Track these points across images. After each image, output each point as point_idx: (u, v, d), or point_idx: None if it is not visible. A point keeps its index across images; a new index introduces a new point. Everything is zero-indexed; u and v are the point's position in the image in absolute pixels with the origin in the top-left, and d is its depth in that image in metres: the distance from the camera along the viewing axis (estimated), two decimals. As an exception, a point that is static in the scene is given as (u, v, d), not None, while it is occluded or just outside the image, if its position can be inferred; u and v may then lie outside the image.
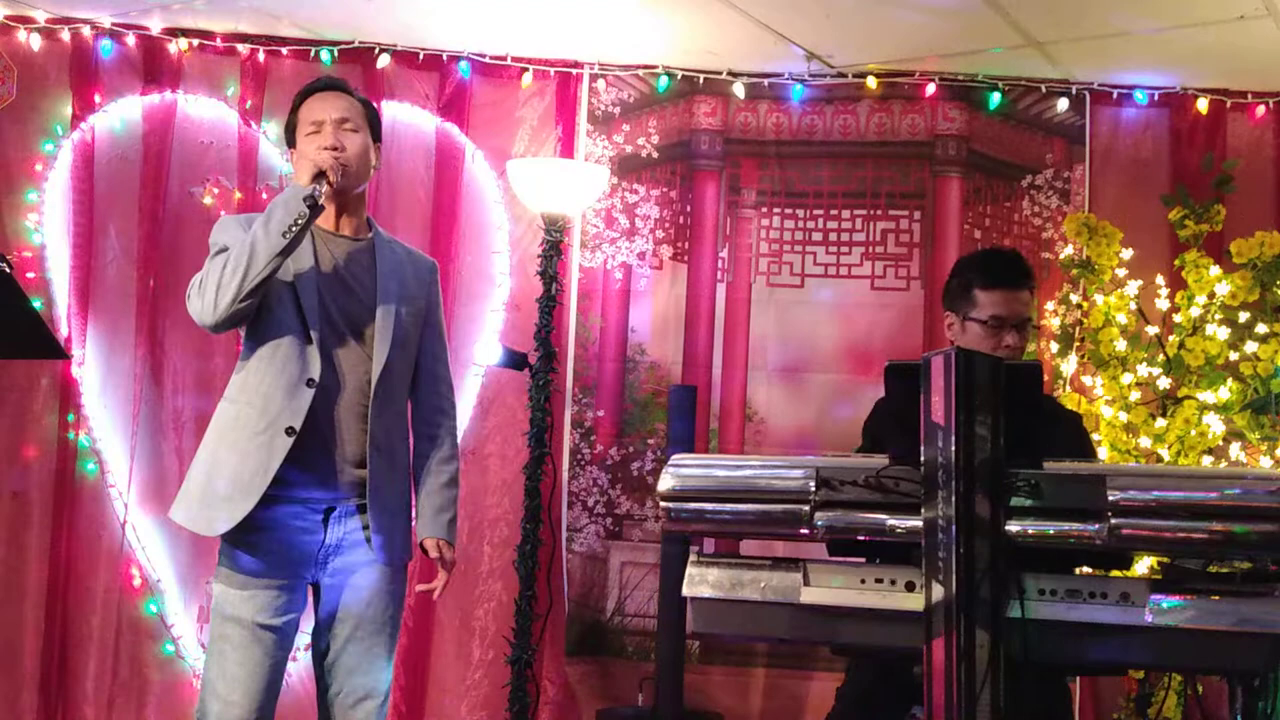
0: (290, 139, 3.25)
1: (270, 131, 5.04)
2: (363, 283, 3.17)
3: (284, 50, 5.06)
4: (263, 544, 3.05)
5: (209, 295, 2.98)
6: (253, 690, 3.03)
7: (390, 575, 3.17)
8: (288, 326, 3.06)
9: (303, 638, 4.44)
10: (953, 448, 2.15)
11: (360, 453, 3.11)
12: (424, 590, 3.32)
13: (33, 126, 4.95)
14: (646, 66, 5.13)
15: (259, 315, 3.06)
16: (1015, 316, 3.23)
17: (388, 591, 3.18)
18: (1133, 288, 4.49)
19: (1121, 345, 4.43)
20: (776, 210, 5.15)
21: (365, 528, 3.13)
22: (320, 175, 3.03)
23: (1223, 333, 4.34)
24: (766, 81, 5.12)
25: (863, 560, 2.39)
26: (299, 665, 4.78)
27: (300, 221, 2.96)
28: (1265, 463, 4.24)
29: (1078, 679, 4.42)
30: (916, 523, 2.23)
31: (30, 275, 4.84)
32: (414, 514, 3.29)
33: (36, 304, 4.50)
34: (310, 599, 3.19)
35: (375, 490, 3.11)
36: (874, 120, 5.09)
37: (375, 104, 4.90)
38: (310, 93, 3.25)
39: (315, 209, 2.99)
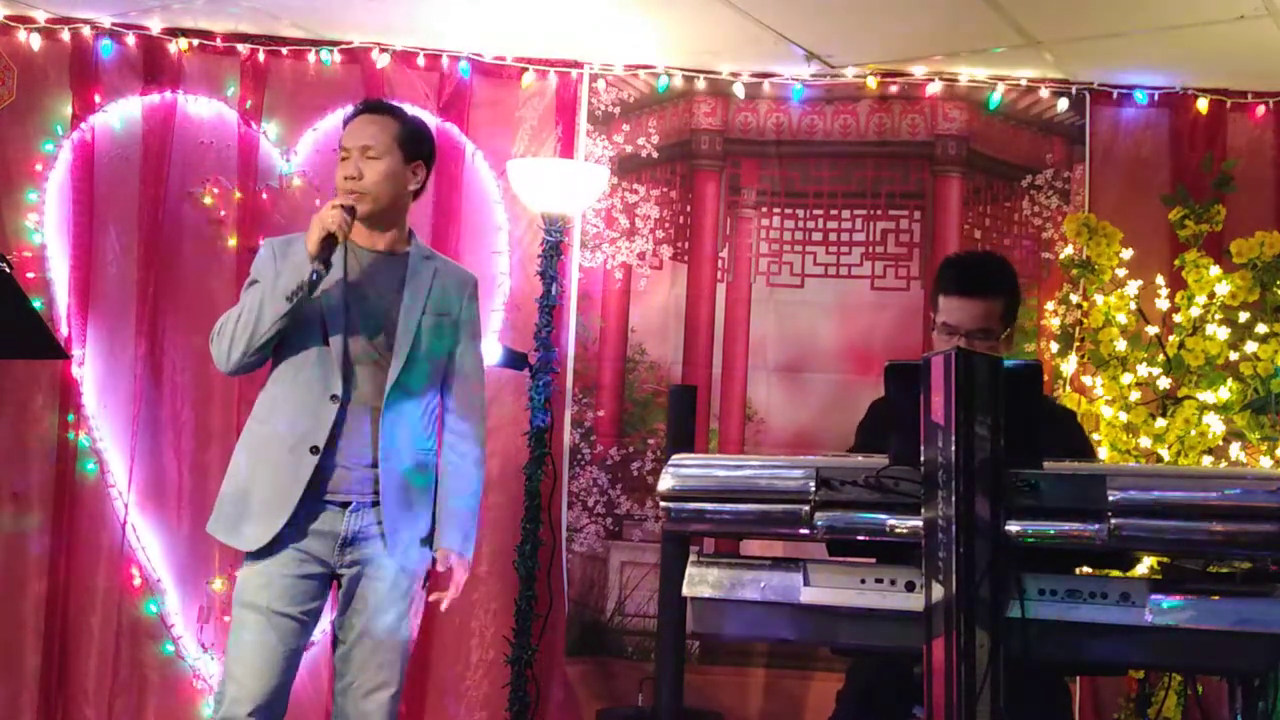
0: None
1: (270, 131, 5.04)
2: (389, 297, 3.29)
3: (284, 50, 5.06)
4: (284, 536, 3.17)
5: (222, 347, 3.19)
6: (265, 675, 3.14)
7: (400, 572, 3.26)
8: (313, 343, 3.21)
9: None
10: (953, 448, 2.15)
11: (373, 457, 3.22)
12: (434, 600, 3.40)
13: (33, 126, 4.94)
14: (646, 66, 5.13)
15: (286, 332, 3.20)
16: (965, 326, 3.14)
17: (403, 588, 3.26)
18: (1133, 288, 4.49)
19: (1121, 345, 4.42)
20: (776, 210, 5.15)
21: (378, 524, 3.23)
22: (329, 239, 3.13)
23: (1223, 333, 4.33)
24: (766, 81, 5.11)
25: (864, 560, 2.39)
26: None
27: (304, 287, 3.11)
28: (1265, 463, 4.24)
29: (1078, 679, 4.42)
30: (916, 523, 2.23)
31: (30, 275, 4.83)
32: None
33: (36, 304, 4.50)
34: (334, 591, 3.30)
35: (386, 496, 3.22)
36: (874, 120, 5.09)
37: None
38: (351, 117, 3.37)
39: (319, 278, 3.12)
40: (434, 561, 3.36)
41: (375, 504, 3.22)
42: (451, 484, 3.38)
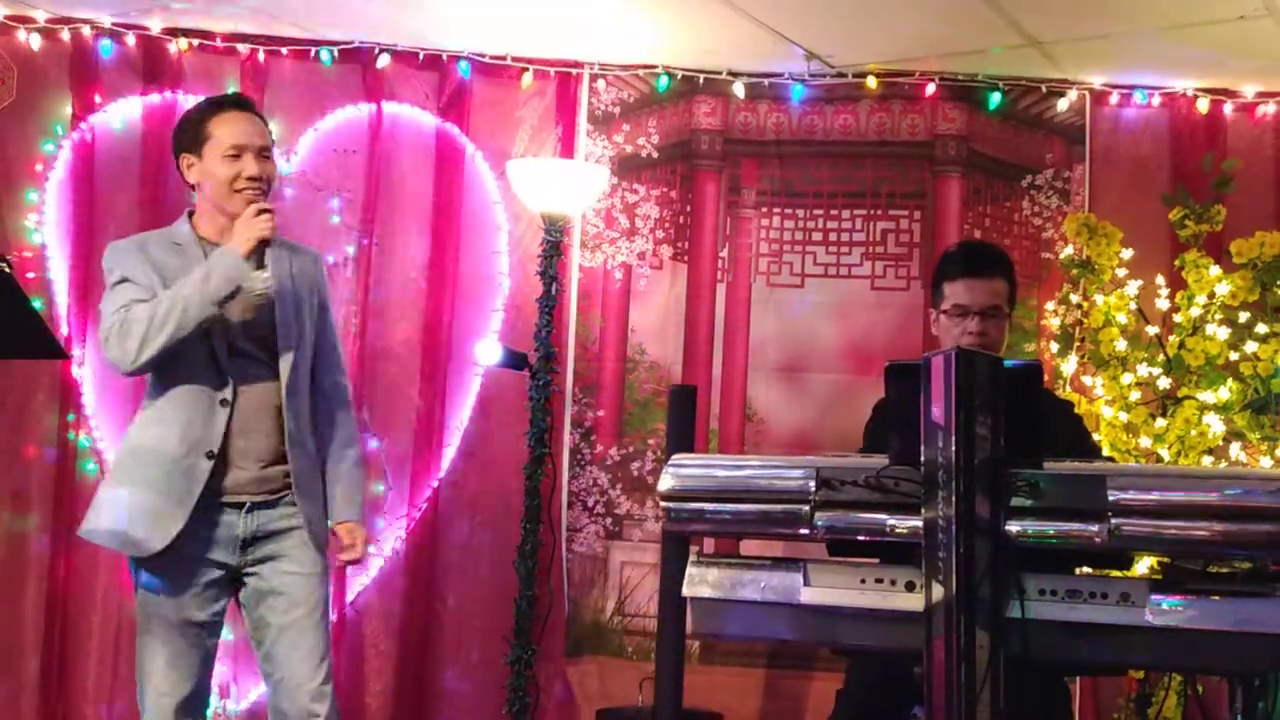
0: (191, 146, 3.23)
1: (271, 132, 5.03)
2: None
3: (284, 50, 5.06)
4: (183, 548, 3.12)
5: (130, 346, 3.06)
6: (180, 681, 3.15)
7: (316, 561, 3.25)
8: (197, 350, 3.13)
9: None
10: (953, 448, 2.15)
11: (275, 452, 3.20)
12: (343, 561, 3.36)
13: (33, 126, 4.94)
14: (646, 66, 5.12)
15: None
16: (978, 305, 3.25)
17: (314, 576, 3.24)
18: (1133, 288, 4.49)
19: (1122, 345, 4.42)
20: (776, 210, 5.15)
21: (286, 518, 3.21)
22: (262, 246, 3.11)
23: (1223, 333, 4.33)
24: (766, 81, 5.11)
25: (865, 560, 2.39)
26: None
27: (237, 294, 3.08)
28: (1265, 463, 4.24)
29: (1078, 679, 4.42)
30: (917, 523, 2.23)
31: (30, 275, 4.83)
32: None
33: (37, 304, 4.49)
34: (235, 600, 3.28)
35: (299, 483, 3.21)
36: (874, 120, 5.09)
37: (375, 105, 4.98)
38: (226, 108, 3.27)
39: (272, 290, 3.14)
40: (336, 534, 3.34)
41: (275, 502, 3.20)
42: (336, 458, 3.34)
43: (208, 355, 3.15)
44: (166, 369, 3.15)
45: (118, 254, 3.20)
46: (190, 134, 3.24)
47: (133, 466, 3.20)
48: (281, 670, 3.19)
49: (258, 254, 3.12)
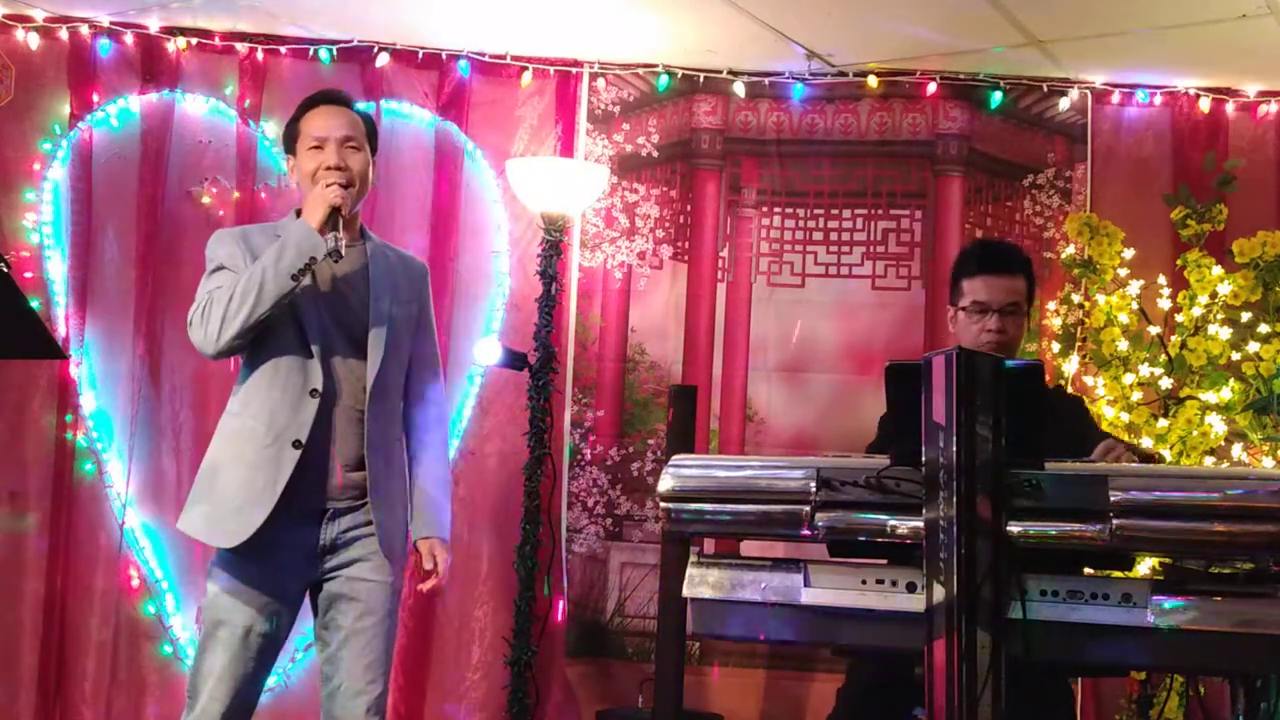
0: (290, 146, 3.28)
1: (269, 130, 5.02)
2: (358, 291, 3.21)
3: (283, 49, 5.05)
4: (260, 553, 3.08)
5: (212, 328, 3.04)
6: (237, 690, 3.10)
7: (389, 569, 3.20)
8: (288, 340, 3.11)
9: (304, 638, 4.46)
10: (954, 448, 2.14)
11: (357, 456, 3.15)
12: (426, 588, 3.36)
13: (31, 126, 4.92)
14: (646, 65, 5.12)
15: (270, 322, 3.11)
16: (997, 302, 3.24)
17: (387, 585, 3.21)
18: (1134, 287, 4.49)
19: (1123, 345, 4.42)
20: (777, 209, 5.14)
21: (364, 525, 3.17)
22: (334, 215, 3.07)
23: (1225, 333, 4.33)
24: (767, 80, 5.10)
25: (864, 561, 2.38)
26: (298, 666, 4.79)
27: (312, 265, 3.04)
28: (1268, 463, 4.24)
29: (1079, 680, 4.41)
30: (918, 523, 2.22)
31: (28, 275, 4.81)
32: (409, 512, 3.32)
33: (34, 303, 4.49)
34: (309, 598, 3.23)
35: (375, 490, 3.16)
36: (875, 119, 5.08)
37: (374, 104, 4.97)
38: (315, 104, 3.27)
39: (338, 252, 3.06)
40: (417, 549, 3.31)
41: (355, 508, 3.16)
42: (424, 472, 3.32)
43: (299, 344, 3.11)
44: (256, 357, 3.13)
45: (219, 242, 3.20)
46: (287, 136, 3.28)
47: (220, 457, 3.16)
48: (341, 676, 3.16)
49: (332, 224, 3.07)
